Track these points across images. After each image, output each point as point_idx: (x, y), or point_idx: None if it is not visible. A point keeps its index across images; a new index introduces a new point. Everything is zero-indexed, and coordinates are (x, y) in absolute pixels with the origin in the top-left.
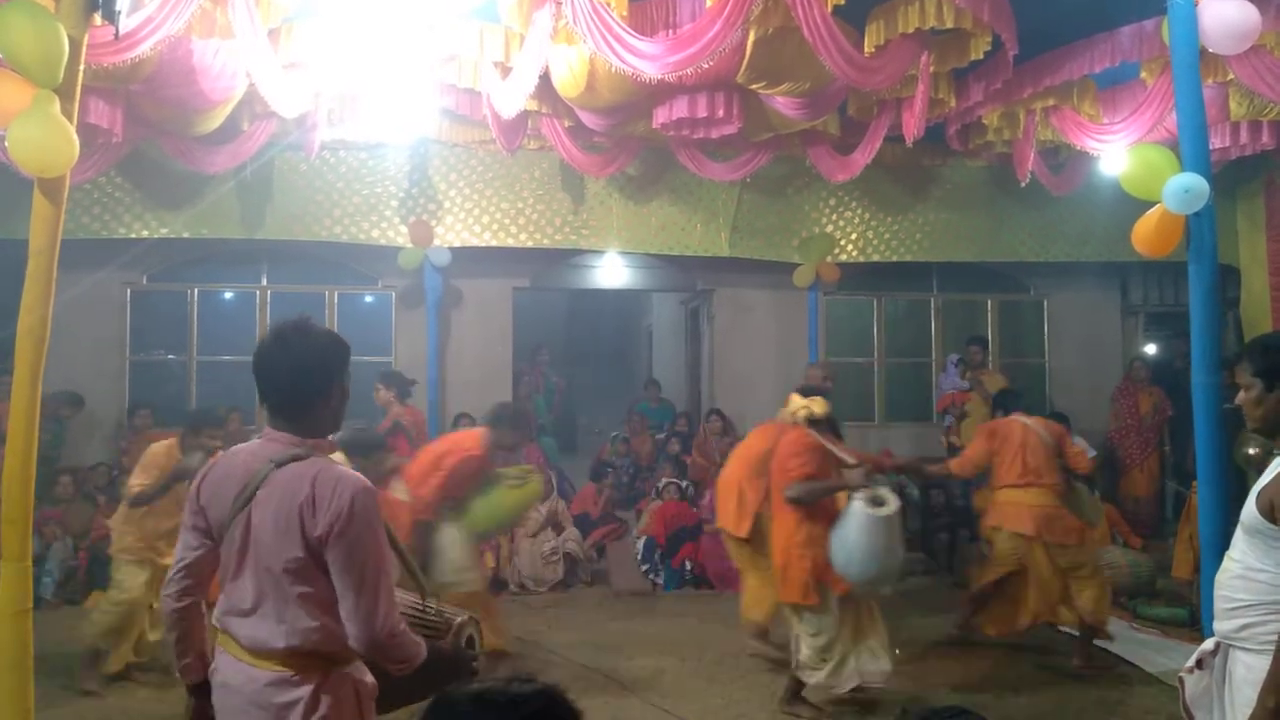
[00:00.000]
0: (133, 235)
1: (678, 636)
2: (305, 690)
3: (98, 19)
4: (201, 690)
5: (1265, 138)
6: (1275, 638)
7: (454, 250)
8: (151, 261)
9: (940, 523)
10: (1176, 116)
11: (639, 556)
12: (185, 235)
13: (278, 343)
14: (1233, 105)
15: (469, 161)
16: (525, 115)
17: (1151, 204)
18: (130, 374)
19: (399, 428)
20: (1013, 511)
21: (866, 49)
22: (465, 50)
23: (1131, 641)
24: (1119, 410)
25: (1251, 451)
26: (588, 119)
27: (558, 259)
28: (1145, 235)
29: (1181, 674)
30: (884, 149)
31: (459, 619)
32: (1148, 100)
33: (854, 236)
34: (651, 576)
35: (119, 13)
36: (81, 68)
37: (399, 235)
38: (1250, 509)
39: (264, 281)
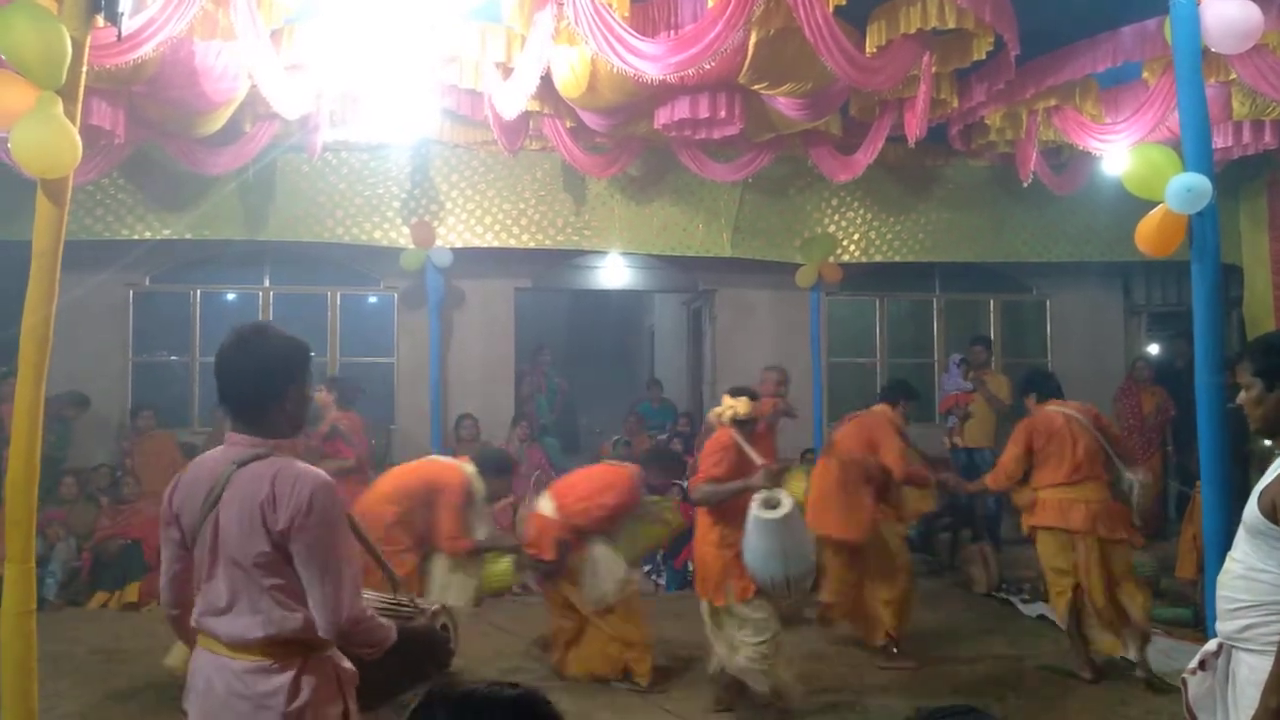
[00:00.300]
0: (135, 236)
1: (680, 637)
2: (286, 677)
3: (100, 20)
4: None
5: (1268, 137)
6: (1278, 638)
7: (456, 251)
8: (154, 263)
9: (942, 523)
10: (1179, 116)
11: None
12: (188, 236)
13: (235, 348)
14: (1235, 105)
15: (471, 162)
16: (527, 116)
17: (1154, 204)
18: (133, 375)
19: (336, 432)
20: (1067, 507)
21: (868, 49)
22: (467, 51)
23: None
24: (1121, 410)
25: (1268, 442)
26: (589, 120)
27: (560, 260)
28: (1148, 235)
29: (1184, 675)
30: (886, 149)
31: (432, 608)
32: (1150, 100)
33: (856, 237)
34: (654, 578)
35: (121, 14)
36: (84, 69)
37: (401, 236)
38: (1252, 509)
39: (266, 283)
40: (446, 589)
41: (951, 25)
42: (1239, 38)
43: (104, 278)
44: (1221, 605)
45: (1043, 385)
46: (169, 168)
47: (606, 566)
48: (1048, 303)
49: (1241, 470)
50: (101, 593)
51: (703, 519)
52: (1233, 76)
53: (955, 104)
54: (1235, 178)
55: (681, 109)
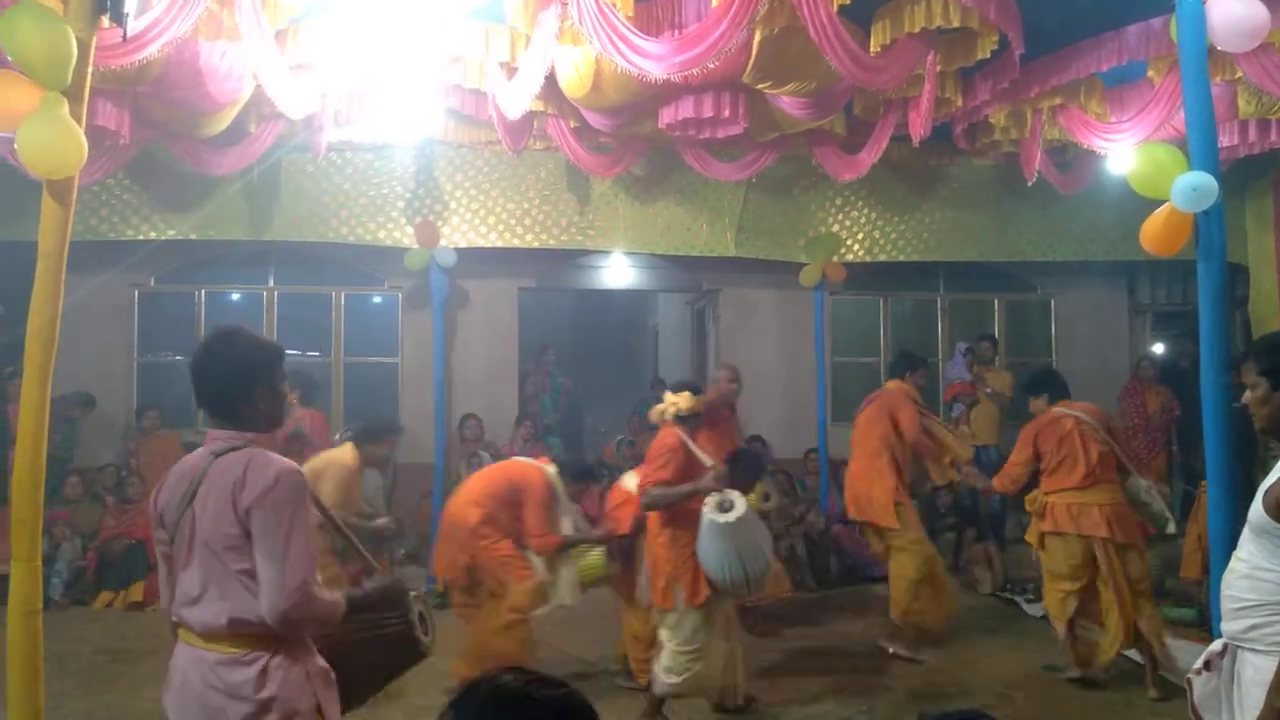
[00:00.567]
0: (140, 237)
1: None
2: (254, 670)
3: (105, 21)
4: None
5: (1274, 136)
6: None
7: (460, 251)
8: (159, 263)
9: (946, 523)
10: (1184, 115)
11: None
12: (193, 237)
13: (206, 351)
14: (1241, 103)
15: (475, 162)
16: (531, 116)
17: (1160, 202)
18: (138, 375)
19: (299, 434)
20: (1079, 512)
21: (872, 48)
22: (471, 51)
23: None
24: (1126, 410)
25: None
26: (593, 119)
27: (563, 259)
28: (1153, 234)
29: (1189, 676)
30: (890, 148)
31: (410, 594)
32: (1155, 99)
33: (860, 236)
34: None
35: (127, 15)
36: (90, 70)
37: (405, 236)
38: (1257, 508)
39: (271, 283)
40: (555, 589)
41: (956, 24)
42: (1245, 36)
43: (109, 278)
44: (1226, 605)
45: (1053, 386)
46: (174, 168)
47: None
48: (1052, 302)
49: (1246, 470)
50: (107, 592)
51: (652, 520)
52: (1239, 75)
53: (960, 103)
54: (1241, 177)
55: (685, 108)
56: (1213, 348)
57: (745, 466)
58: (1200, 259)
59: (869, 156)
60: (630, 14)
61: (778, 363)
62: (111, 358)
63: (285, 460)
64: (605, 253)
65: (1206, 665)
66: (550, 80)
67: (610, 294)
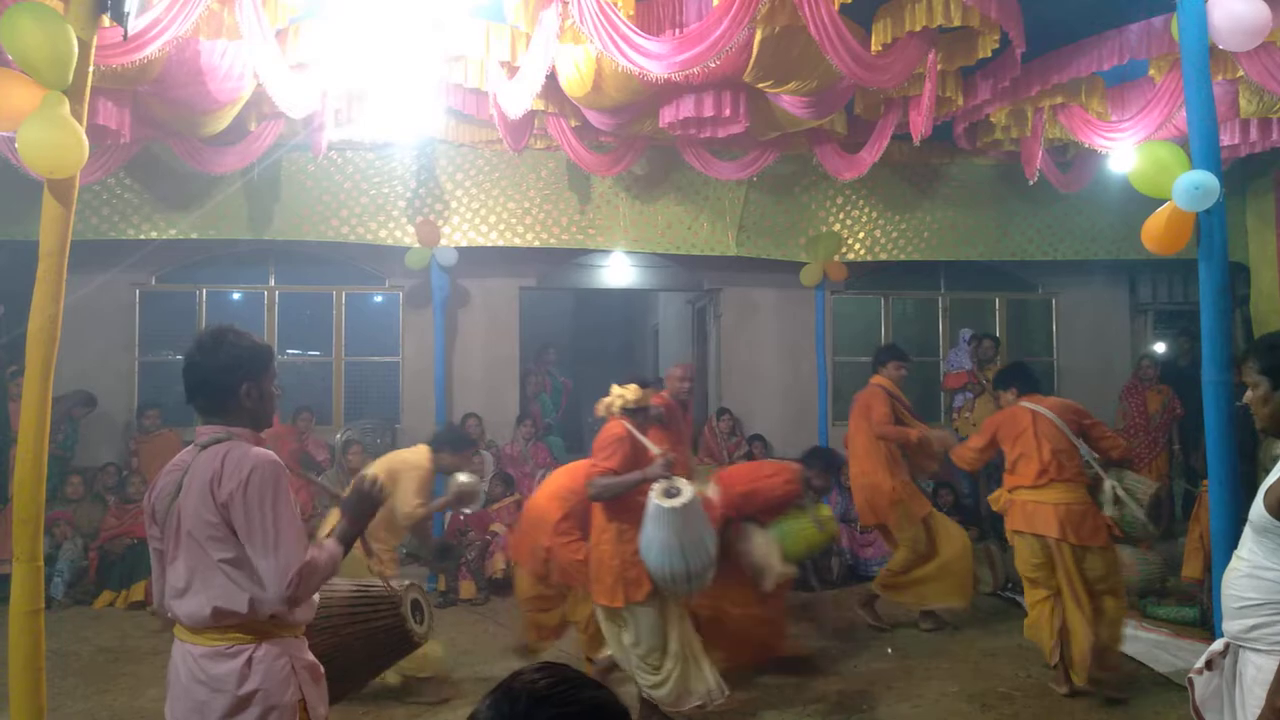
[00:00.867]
0: (141, 236)
1: None
2: (238, 662)
3: (106, 20)
4: None
5: (1275, 135)
6: None
7: (461, 250)
8: (160, 262)
9: None
10: (1186, 113)
11: None
12: (193, 236)
13: (196, 349)
14: (1242, 102)
15: (475, 161)
16: (532, 115)
17: (1161, 201)
18: (139, 374)
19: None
20: (1033, 511)
21: (874, 47)
22: (471, 50)
23: (1141, 641)
24: (1127, 409)
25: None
26: (594, 118)
27: (564, 259)
28: (1155, 233)
29: (1191, 675)
30: (891, 147)
31: (403, 584)
32: (1157, 97)
33: (861, 235)
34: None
35: (127, 14)
36: (90, 69)
37: (406, 235)
38: (1258, 508)
39: (272, 282)
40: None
41: (957, 23)
42: (1247, 35)
43: (110, 277)
44: (1228, 604)
45: (1021, 379)
46: (174, 167)
47: (768, 549)
48: (1054, 301)
49: (1248, 469)
50: (108, 591)
51: (598, 515)
52: (1240, 74)
53: (961, 102)
54: (1242, 175)
55: (686, 108)
56: (1214, 346)
57: (824, 461)
58: (1201, 258)
59: (870, 155)
60: (631, 13)
61: (779, 362)
62: (113, 357)
63: (261, 451)
64: (606, 252)
65: (1208, 665)
66: (551, 79)
67: (611, 293)
